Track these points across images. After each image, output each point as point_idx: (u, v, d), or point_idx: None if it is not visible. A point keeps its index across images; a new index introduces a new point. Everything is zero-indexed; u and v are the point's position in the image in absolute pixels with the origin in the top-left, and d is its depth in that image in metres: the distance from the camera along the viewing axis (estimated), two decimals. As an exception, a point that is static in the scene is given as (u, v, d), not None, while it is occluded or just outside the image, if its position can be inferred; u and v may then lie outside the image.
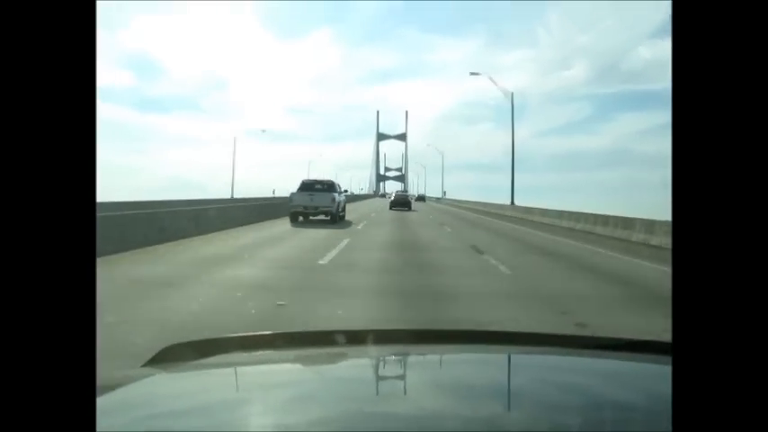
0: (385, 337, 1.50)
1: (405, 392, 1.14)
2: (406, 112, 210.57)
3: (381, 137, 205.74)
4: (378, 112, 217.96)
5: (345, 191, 27.31)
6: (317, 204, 21.08)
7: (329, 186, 22.57)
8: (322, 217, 21.11)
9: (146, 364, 1.27)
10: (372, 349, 1.39)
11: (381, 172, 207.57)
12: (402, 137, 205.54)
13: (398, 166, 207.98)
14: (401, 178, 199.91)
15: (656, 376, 1.17)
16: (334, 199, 21.48)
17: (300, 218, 20.99)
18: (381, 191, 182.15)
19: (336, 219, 21.57)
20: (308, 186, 22.13)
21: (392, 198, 48.91)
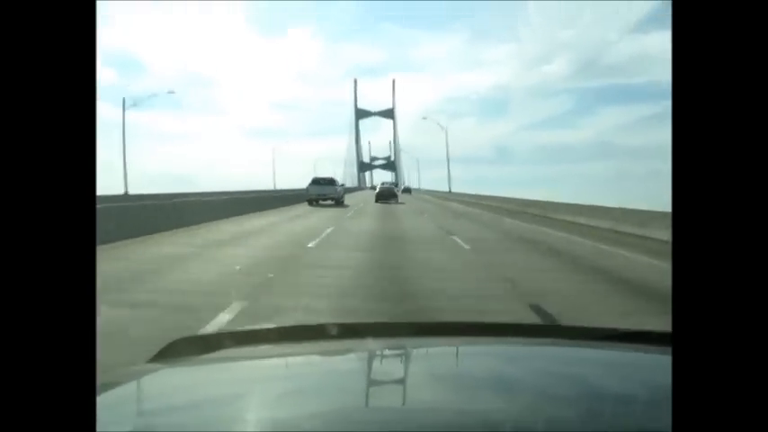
0: (386, 331, 1.51)
1: (404, 385, 1.15)
2: (393, 81, 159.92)
3: (362, 114, 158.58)
4: (355, 80, 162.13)
5: (342, 184, 41.35)
6: (325, 193, 33.55)
7: (331, 181, 35.86)
8: (329, 202, 33.18)
9: (151, 360, 1.29)
10: (375, 343, 1.40)
11: (366, 160, 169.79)
12: (388, 114, 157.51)
13: (386, 155, 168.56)
14: (390, 166, 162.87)
15: (654, 366, 1.18)
16: (336, 189, 34.42)
17: (314, 203, 32.69)
18: (369, 183, 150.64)
19: (340, 202, 33.95)
20: (317, 181, 35.04)
21: (377, 190, 43.40)
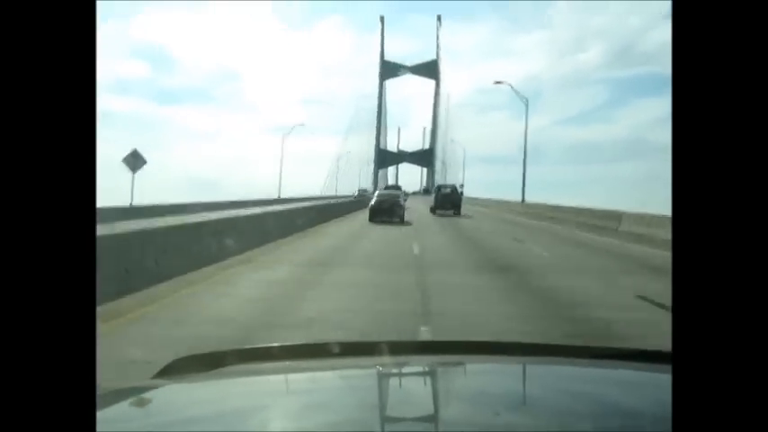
0: (391, 349, 1.50)
1: (411, 403, 1.14)
2: (438, 17, 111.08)
3: (389, 69, 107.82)
4: (382, 18, 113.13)
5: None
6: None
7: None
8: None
9: (155, 377, 1.29)
10: (380, 360, 1.40)
11: (390, 148, 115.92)
12: (429, 69, 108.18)
13: (417, 148, 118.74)
14: (424, 158, 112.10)
15: (659, 385, 1.18)
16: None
17: None
18: (388, 183, 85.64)
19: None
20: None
21: (373, 200, 24.68)
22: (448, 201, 29.79)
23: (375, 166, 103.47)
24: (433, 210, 29.50)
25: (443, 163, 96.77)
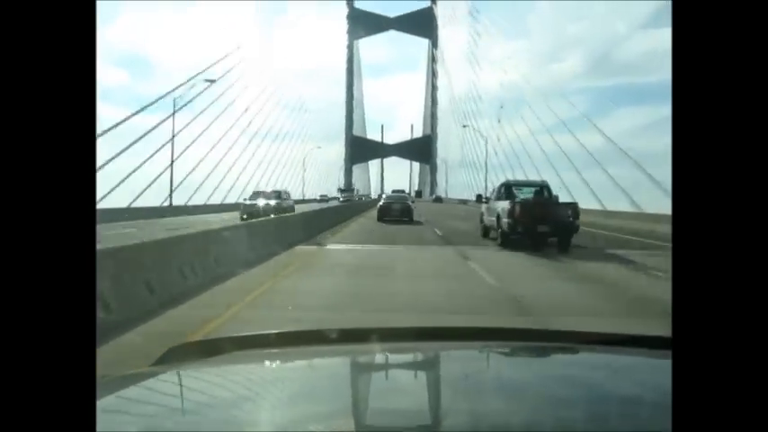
0: (387, 336, 1.50)
1: (407, 389, 1.14)
2: None
3: (362, 24, 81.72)
4: None
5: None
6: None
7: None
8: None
9: (153, 364, 1.29)
10: (377, 347, 1.40)
11: (372, 137, 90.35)
12: (420, 23, 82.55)
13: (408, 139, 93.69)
14: (418, 149, 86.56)
15: (659, 370, 1.18)
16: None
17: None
18: (373, 188, 74.81)
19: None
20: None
21: (381, 202, 25.53)
22: (547, 219, 12.64)
23: (346, 155, 75.51)
24: (502, 235, 13.08)
25: (431, 170, 67.54)
